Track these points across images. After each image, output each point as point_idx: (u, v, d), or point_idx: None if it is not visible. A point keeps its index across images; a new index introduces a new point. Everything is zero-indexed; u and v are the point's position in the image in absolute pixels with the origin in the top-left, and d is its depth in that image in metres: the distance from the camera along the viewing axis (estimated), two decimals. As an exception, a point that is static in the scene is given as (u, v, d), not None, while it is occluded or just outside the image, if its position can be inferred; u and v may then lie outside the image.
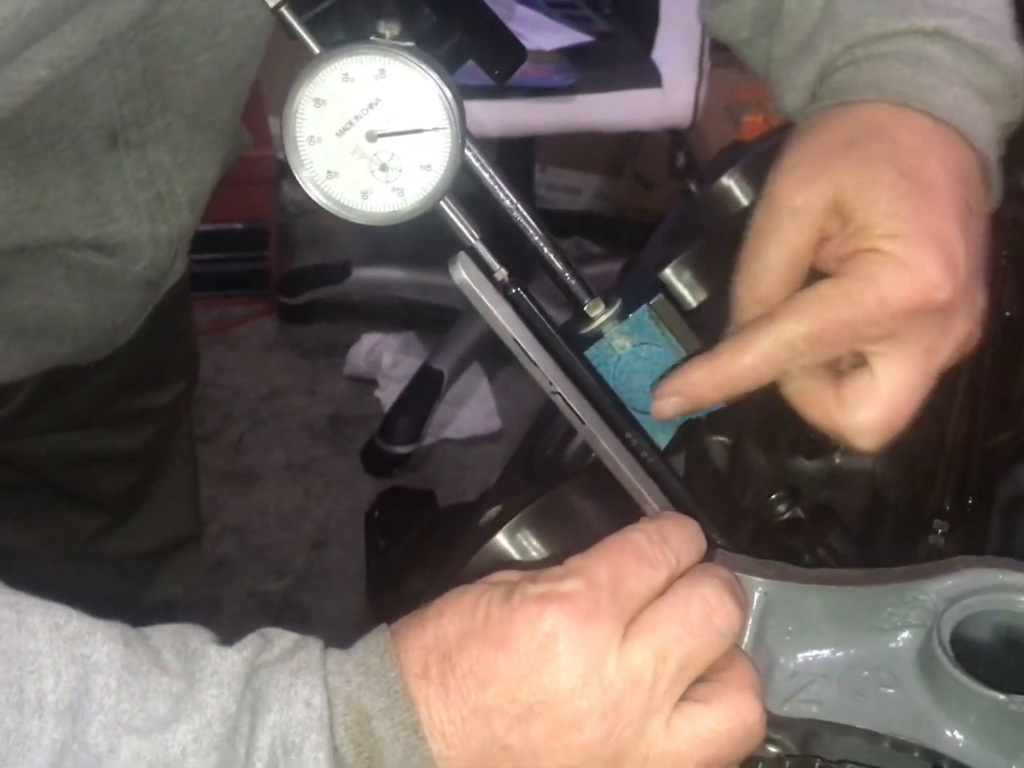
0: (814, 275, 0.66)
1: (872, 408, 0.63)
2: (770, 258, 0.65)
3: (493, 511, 0.82)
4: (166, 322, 1.09)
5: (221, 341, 2.51)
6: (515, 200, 0.70)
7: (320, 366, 2.45)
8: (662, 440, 0.73)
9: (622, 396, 0.72)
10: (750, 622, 0.61)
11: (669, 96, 2.11)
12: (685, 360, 0.70)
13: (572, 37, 2.12)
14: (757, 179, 1.08)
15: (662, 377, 0.70)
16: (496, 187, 0.67)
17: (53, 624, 0.53)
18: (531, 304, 0.64)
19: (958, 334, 0.64)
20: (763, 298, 0.65)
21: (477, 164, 0.65)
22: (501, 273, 0.64)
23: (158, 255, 0.84)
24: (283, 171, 2.54)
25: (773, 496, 0.71)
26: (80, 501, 1.15)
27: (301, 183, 0.61)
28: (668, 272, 0.99)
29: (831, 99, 0.69)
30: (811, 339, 0.62)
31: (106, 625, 0.54)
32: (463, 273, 0.62)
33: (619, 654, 0.53)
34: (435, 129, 0.60)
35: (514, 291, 0.64)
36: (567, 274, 0.73)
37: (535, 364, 0.63)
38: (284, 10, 0.61)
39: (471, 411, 2.31)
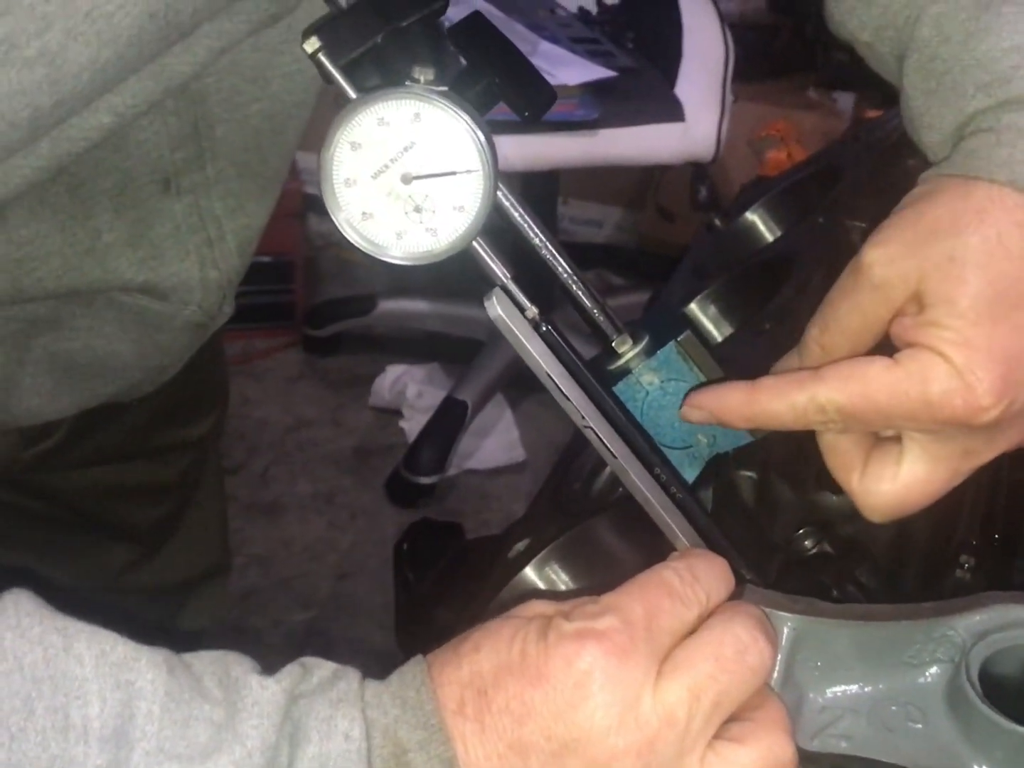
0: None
1: (889, 486, 0.64)
2: (842, 317, 0.65)
3: (521, 544, 0.83)
4: (202, 356, 1.10)
5: (247, 373, 2.52)
6: (544, 237, 0.71)
7: (345, 397, 2.47)
8: (690, 475, 0.74)
9: (650, 431, 0.73)
10: (779, 658, 0.61)
11: (691, 130, 2.13)
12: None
13: (595, 72, 2.13)
14: (781, 215, 1.10)
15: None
16: (525, 224, 0.69)
17: (99, 651, 0.54)
18: (561, 340, 0.65)
19: (1003, 444, 0.64)
20: (827, 346, 0.66)
21: (506, 202, 0.67)
22: (532, 311, 0.65)
23: (207, 299, 0.85)
24: (310, 204, 2.56)
25: (800, 531, 0.72)
26: (114, 533, 1.16)
27: (337, 225, 0.62)
28: (693, 307, 1.01)
29: (959, 168, 0.64)
30: (845, 413, 0.63)
31: (150, 652, 0.55)
32: (498, 310, 0.63)
33: (654, 692, 0.54)
34: (468, 171, 0.61)
35: (545, 328, 0.65)
36: (595, 310, 0.74)
37: (568, 399, 0.64)
38: (321, 55, 0.62)
39: (495, 442, 2.32)
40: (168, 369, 0.91)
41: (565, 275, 0.73)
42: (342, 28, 0.63)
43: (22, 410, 0.84)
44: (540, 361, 0.64)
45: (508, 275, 0.64)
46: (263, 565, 2.21)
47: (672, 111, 2.14)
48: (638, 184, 2.71)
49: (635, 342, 0.74)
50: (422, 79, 0.61)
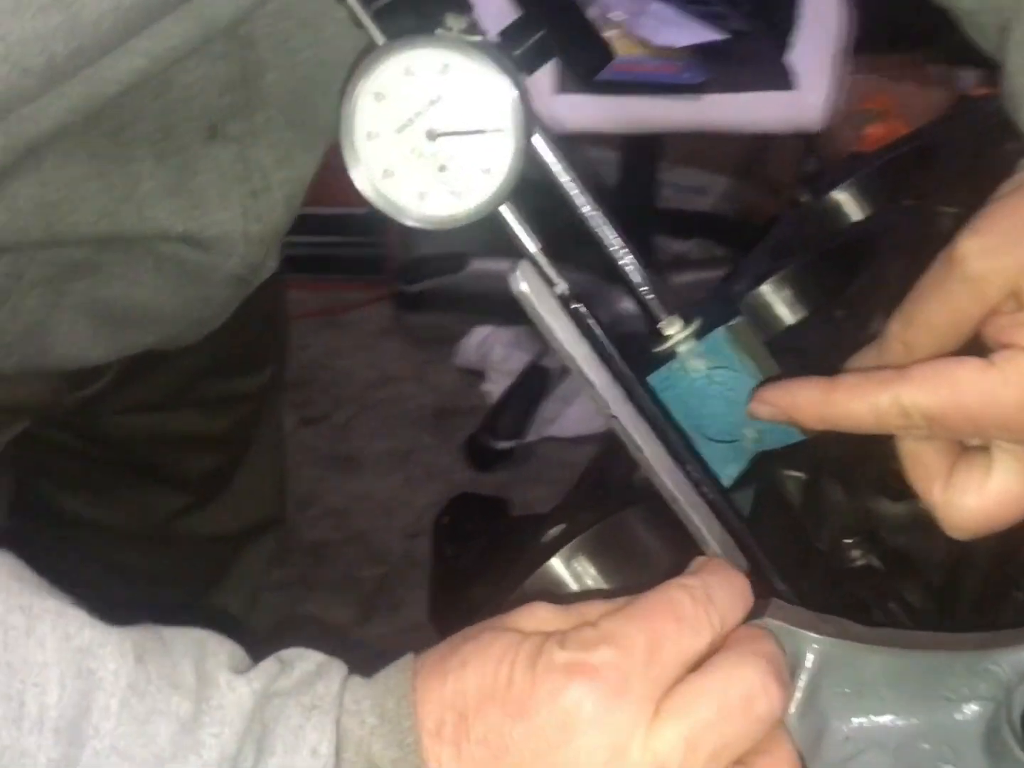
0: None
1: (977, 499, 0.58)
2: (929, 311, 0.59)
3: (556, 530, 0.79)
4: (258, 308, 1.07)
5: (335, 324, 2.51)
6: (592, 204, 0.66)
7: (431, 355, 2.44)
8: (733, 470, 0.69)
9: (692, 421, 0.68)
10: (803, 682, 0.56)
11: (802, 99, 2.04)
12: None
13: (704, 34, 2.06)
14: (870, 195, 1.03)
15: (730, 410, 0.67)
16: (572, 189, 0.64)
17: (64, 634, 0.50)
18: (593, 322, 0.61)
19: None
20: (910, 343, 0.60)
21: (551, 163, 0.62)
22: (562, 286, 0.60)
23: (250, 252, 0.82)
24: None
25: (847, 540, 0.67)
26: (164, 481, 1.15)
27: (355, 180, 0.58)
28: (765, 288, 0.95)
29: None
30: (931, 418, 0.57)
31: (121, 636, 0.52)
32: (523, 283, 0.59)
33: (646, 737, 0.49)
34: (497, 131, 0.57)
35: (575, 306, 0.60)
36: (645, 287, 0.69)
37: (593, 386, 0.60)
38: (350, -3, 0.58)
39: (578, 410, 2.27)
40: (210, 321, 0.88)
41: (614, 246, 0.68)
42: (375, -32, 0.58)
43: (59, 355, 0.82)
44: (564, 343, 0.59)
45: (538, 245, 0.60)
46: (337, 518, 2.19)
47: (783, 79, 2.06)
48: (745, 153, 2.63)
49: (685, 324, 0.69)
50: (455, 28, 0.57)
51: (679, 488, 0.60)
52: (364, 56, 0.57)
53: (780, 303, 0.94)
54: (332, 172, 0.82)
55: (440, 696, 0.51)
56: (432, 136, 0.57)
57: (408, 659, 0.53)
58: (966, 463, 0.59)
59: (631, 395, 0.60)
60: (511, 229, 0.59)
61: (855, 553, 0.66)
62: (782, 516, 0.69)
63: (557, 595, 0.71)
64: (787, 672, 0.53)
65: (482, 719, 0.50)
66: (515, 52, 0.61)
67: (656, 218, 2.53)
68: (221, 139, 0.76)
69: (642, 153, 2.31)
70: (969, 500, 0.58)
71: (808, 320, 0.87)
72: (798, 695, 0.56)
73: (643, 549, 0.72)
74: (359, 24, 0.59)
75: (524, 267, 0.59)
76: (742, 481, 0.68)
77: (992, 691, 0.55)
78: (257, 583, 1.29)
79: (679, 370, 0.68)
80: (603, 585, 0.72)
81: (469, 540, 0.92)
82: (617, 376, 0.60)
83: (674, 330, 0.69)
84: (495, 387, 2.34)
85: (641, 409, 0.61)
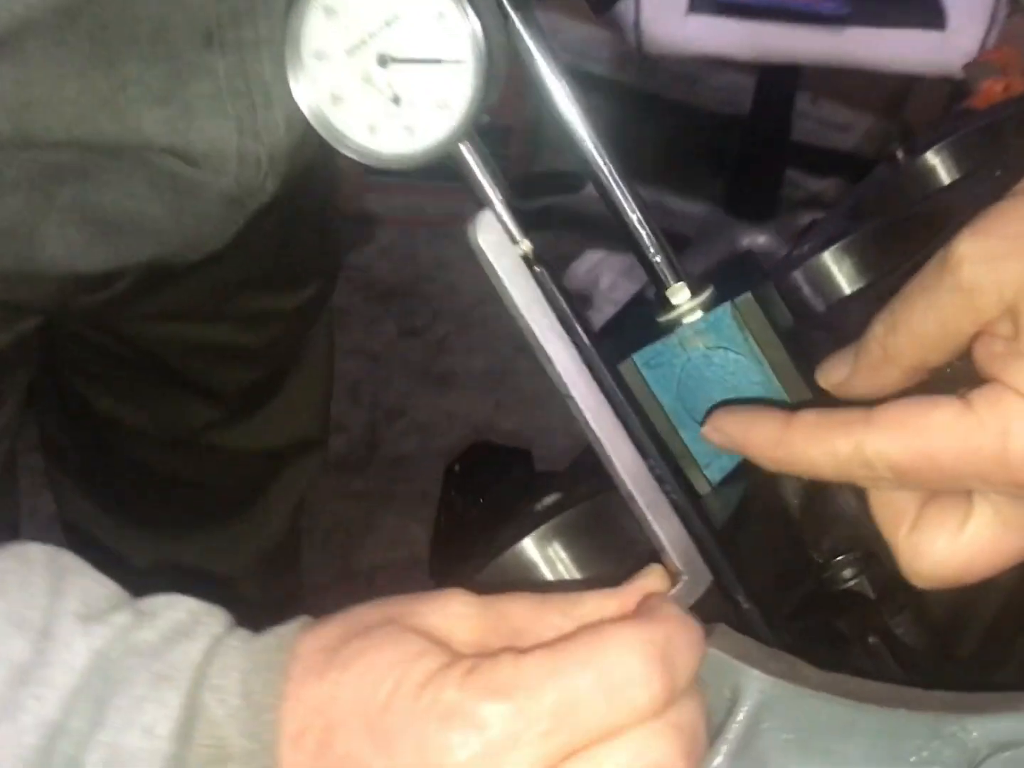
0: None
1: (947, 549, 0.50)
2: (915, 317, 0.50)
3: (551, 499, 0.72)
4: (302, 224, 1.02)
5: (447, 235, 2.45)
6: (600, 149, 0.59)
7: (539, 276, 2.36)
8: (725, 463, 0.61)
9: (684, 404, 0.60)
10: (740, 721, 0.49)
11: (951, 40, 1.90)
12: (770, 376, 0.59)
13: (853, -38, 1.93)
14: (965, 160, 0.93)
15: (727, 397, 0.59)
16: (577, 128, 0.57)
17: None
18: (557, 290, 0.53)
19: None
20: (891, 350, 0.51)
21: (555, 94, 0.55)
22: (525, 244, 0.53)
23: (245, 173, 0.76)
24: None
25: (840, 558, 0.59)
26: (197, 391, 1.11)
27: (300, 105, 0.51)
28: (828, 254, 0.86)
29: None
30: (899, 470, 0.49)
31: None
32: (482, 235, 0.52)
33: None
34: (456, 62, 0.49)
35: (539, 270, 0.53)
36: (652, 248, 0.62)
37: (549, 359, 0.53)
38: None
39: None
40: (211, 239, 0.83)
41: (619, 199, 0.61)
42: None
43: (49, 257, 0.78)
44: (521, 308, 0.52)
45: (501, 197, 0.52)
46: (423, 433, 2.15)
47: (933, 17, 1.92)
48: (893, 93, 2.48)
49: (694, 294, 0.62)
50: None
51: (637, 484, 0.53)
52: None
53: (840, 272, 0.85)
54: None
55: (312, 695, 0.45)
56: (384, 62, 0.50)
57: (292, 633, 0.47)
58: (939, 507, 0.50)
59: (594, 374, 0.53)
60: (470, 174, 0.52)
61: (847, 573, 0.59)
62: (774, 520, 0.61)
63: (529, 579, 0.65)
64: (704, 747, 0.46)
65: (346, 739, 0.44)
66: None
67: (791, 152, 2.40)
68: (219, 47, 0.70)
69: (779, 81, 2.19)
70: (938, 548, 0.50)
71: (861, 293, 0.79)
72: (732, 735, 0.49)
73: (624, 537, 0.65)
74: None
75: (485, 217, 0.52)
76: (734, 476, 0.61)
77: (958, 760, 0.48)
78: (298, 503, 1.26)
79: (675, 346, 0.61)
80: (575, 574, 0.65)
81: (481, 493, 0.86)
82: (582, 352, 0.53)
83: (680, 299, 0.61)
84: (600, 315, 2.26)
85: (604, 391, 0.54)
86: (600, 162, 0.60)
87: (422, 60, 0.50)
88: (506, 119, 2.45)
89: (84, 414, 1.13)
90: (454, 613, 0.48)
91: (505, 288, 0.52)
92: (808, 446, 0.50)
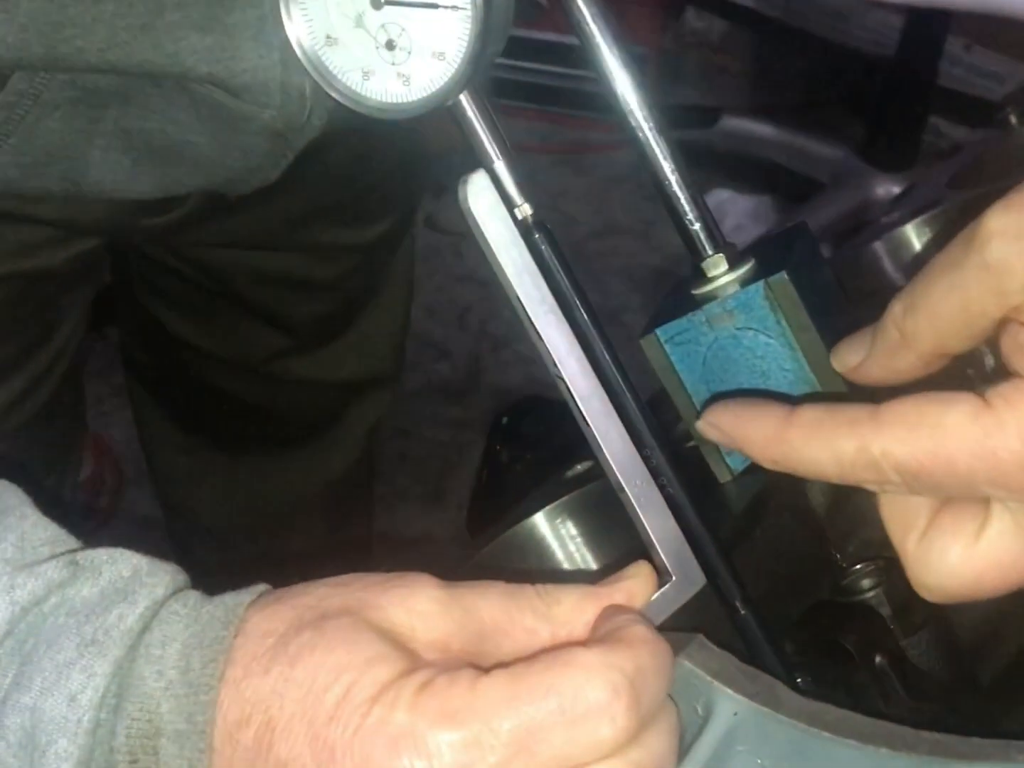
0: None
1: (961, 560, 0.45)
2: (936, 297, 0.45)
3: (582, 466, 0.69)
4: (374, 159, 0.99)
5: (572, 164, 2.40)
6: (642, 105, 0.55)
7: (661, 212, 2.30)
8: (747, 453, 0.57)
9: (707, 386, 0.56)
10: (710, 741, 0.46)
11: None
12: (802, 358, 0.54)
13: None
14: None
15: (755, 382, 0.55)
16: (612, 79, 0.53)
17: None
18: (558, 261, 0.50)
19: None
20: (909, 333, 0.46)
21: (592, 39, 0.51)
22: (524, 209, 0.49)
23: (288, 106, 0.73)
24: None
25: (860, 565, 0.54)
26: (267, 320, 1.10)
27: (292, 43, 0.48)
28: (911, 226, 0.80)
29: None
30: (908, 473, 0.44)
31: None
32: (471, 196, 0.48)
33: None
34: (453, 7, 0.45)
35: (536, 235, 0.49)
36: (691, 215, 0.58)
37: (538, 334, 0.49)
38: None
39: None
40: (258, 172, 0.80)
41: (659, 158, 0.57)
42: None
43: (95, 182, 0.76)
44: (511, 277, 0.48)
45: (499, 155, 0.48)
46: (526, 365, 2.12)
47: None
48: (1053, 42, 2.34)
49: (731, 268, 0.57)
50: None
51: (626, 474, 0.50)
52: None
53: (924, 245, 0.79)
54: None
55: (256, 688, 0.43)
56: (377, 4, 0.46)
57: (242, 607, 0.45)
58: (953, 515, 0.46)
59: (589, 355, 0.50)
60: (470, 128, 0.48)
61: (866, 583, 0.54)
62: (796, 516, 0.57)
63: (537, 554, 0.62)
64: None
65: (288, 742, 0.42)
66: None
67: (936, 98, 2.29)
68: None
69: (929, 23, 2.08)
70: (950, 558, 0.45)
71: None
72: (700, 756, 0.46)
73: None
74: None
75: (478, 178, 0.48)
76: (753, 467, 0.57)
77: (942, 811, 0.43)
78: (368, 436, 1.24)
79: (702, 323, 0.56)
80: (586, 553, 0.62)
81: (527, 449, 0.83)
82: (575, 328, 0.50)
83: (716, 272, 0.57)
84: (719, 258, 2.20)
85: (599, 373, 0.50)
86: (640, 117, 0.56)
87: (417, 3, 0.46)
88: (641, 47, 2.37)
89: (160, 335, 1.13)
90: (418, 609, 0.45)
91: (494, 255, 0.48)
92: (809, 445, 0.46)
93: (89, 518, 1.65)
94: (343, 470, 1.24)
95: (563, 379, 0.49)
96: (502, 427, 0.82)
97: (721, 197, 2.27)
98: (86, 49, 0.65)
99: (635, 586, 0.48)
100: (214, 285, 1.06)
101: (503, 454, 0.83)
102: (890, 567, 0.54)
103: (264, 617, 0.45)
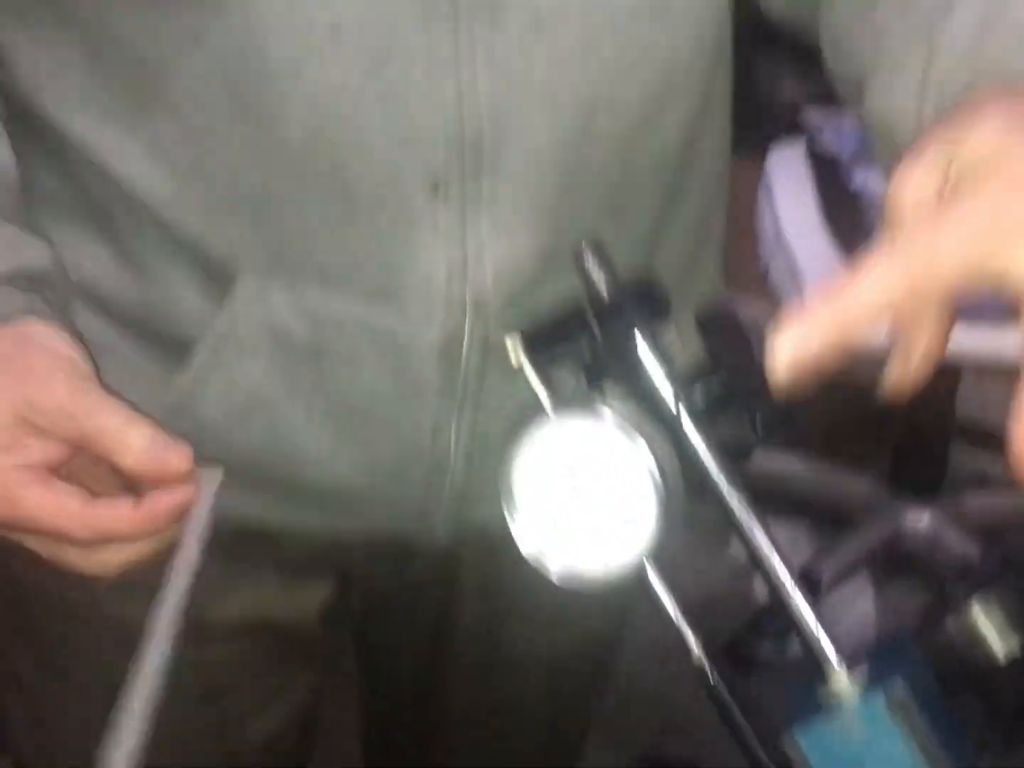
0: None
1: None
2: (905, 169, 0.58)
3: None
4: None
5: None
6: (765, 534, 0.63)
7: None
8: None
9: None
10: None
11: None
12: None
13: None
14: None
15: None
16: (729, 495, 0.64)
17: None
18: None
19: None
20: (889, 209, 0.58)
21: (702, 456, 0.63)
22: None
23: (450, 322, 0.79)
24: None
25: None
26: None
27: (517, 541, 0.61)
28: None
29: None
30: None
31: None
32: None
33: None
34: (639, 498, 0.59)
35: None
36: (811, 630, 0.62)
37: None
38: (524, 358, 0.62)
39: (845, 630, 2.18)
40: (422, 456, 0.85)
41: (778, 578, 0.65)
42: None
43: (298, 462, 0.83)
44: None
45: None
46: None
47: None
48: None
49: (851, 676, 0.61)
50: (614, 403, 0.60)
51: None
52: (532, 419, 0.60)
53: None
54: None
55: None
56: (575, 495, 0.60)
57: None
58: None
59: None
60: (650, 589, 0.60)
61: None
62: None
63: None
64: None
65: None
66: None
67: (956, 429, 2.42)
68: (443, 198, 0.75)
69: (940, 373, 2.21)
70: None
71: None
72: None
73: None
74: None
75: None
76: None
77: None
78: None
79: (840, 730, 0.61)
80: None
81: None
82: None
83: (840, 685, 0.61)
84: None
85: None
86: (758, 536, 0.63)
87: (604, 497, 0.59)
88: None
89: None
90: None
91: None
92: (855, 283, 0.54)
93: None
94: None
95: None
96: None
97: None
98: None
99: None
100: None
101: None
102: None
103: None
